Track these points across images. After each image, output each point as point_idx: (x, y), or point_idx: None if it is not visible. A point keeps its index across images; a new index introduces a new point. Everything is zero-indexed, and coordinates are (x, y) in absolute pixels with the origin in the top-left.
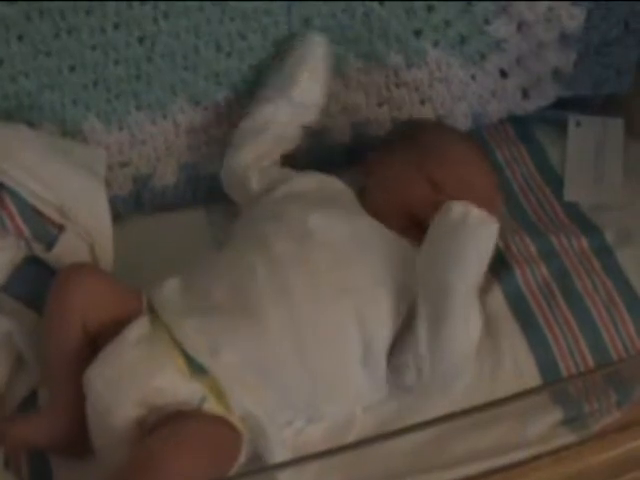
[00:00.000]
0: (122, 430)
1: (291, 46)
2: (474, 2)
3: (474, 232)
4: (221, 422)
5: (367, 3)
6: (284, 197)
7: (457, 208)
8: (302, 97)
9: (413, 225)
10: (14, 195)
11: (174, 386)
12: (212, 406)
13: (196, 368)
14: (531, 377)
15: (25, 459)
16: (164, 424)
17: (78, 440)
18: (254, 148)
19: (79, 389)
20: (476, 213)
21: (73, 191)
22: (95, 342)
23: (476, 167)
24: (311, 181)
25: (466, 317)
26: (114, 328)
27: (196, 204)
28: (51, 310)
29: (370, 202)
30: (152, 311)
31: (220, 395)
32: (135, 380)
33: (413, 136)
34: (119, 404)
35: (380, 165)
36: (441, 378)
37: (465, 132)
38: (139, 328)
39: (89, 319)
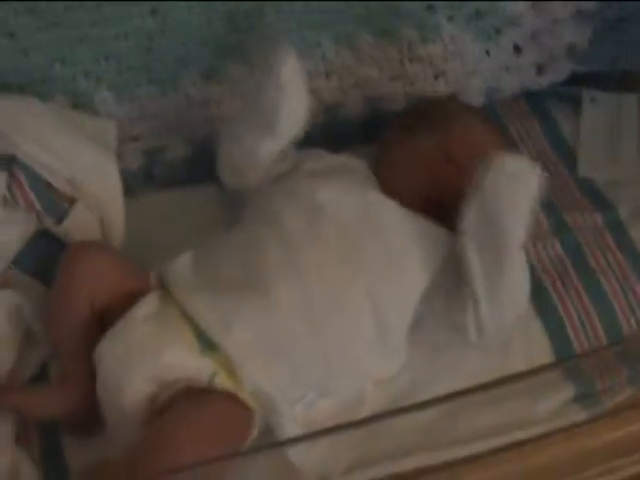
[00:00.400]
0: (132, 406)
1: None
2: None
3: (527, 179)
4: (232, 400)
5: None
6: (295, 175)
7: (501, 158)
8: (289, 127)
9: (429, 203)
10: (25, 168)
11: (184, 362)
12: (223, 381)
13: (206, 344)
14: (543, 353)
15: (36, 435)
16: (175, 404)
17: (89, 415)
18: (247, 167)
19: (89, 365)
20: (525, 162)
21: (84, 164)
22: (103, 319)
23: (493, 142)
24: (322, 159)
25: (521, 264)
26: (122, 305)
27: (208, 180)
28: (59, 287)
29: (386, 180)
30: (162, 287)
31: (231, 370)
32: (145, 356)
33: (429, 113)
34: (129, 380)
35: (396, 142)
36: (503, 330)
37: (479, 107)
38: (148, 305)
39: (97, 296)
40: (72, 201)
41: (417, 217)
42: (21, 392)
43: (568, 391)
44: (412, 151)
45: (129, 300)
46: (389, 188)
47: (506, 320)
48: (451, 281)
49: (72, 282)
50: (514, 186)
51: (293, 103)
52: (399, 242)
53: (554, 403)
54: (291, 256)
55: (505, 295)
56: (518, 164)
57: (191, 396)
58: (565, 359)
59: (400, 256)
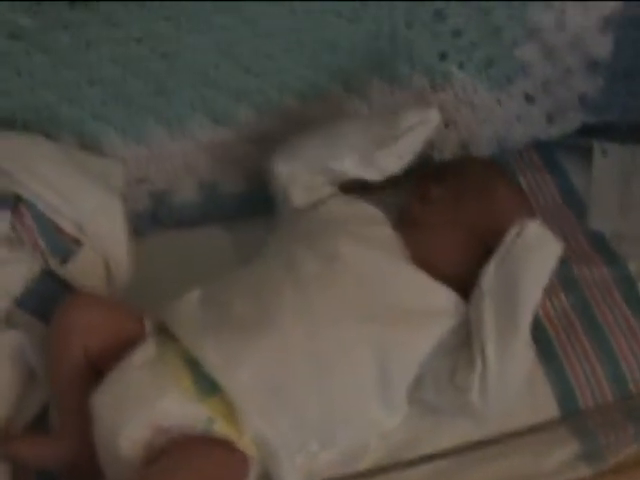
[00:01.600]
0: (128, 453)
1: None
2: (501, 26)
3: (550, 247)
4: (229, 447)
5: (393, 25)
6: (320, 219)
7: (533, 226)
8: (384, 167)
9: (454, 275)
10: (31, 207)
11: (179, 408)
12: (219, 428)
13: (204, 390)
14: (548, 409)
15: None
16: (170, 451)
17: (88, 466)
18: (309, 169)
19: (86, 414)
20: (549, 233)
21: (90, 205)
22: (99, 369)
23: None
24: (350, 207)
25: (528, 335)
26: (117, 354)
27: (215, 222)
28: (51, 341)
29: (415, 243)
30: (159, 333)
31: (229, 416)
32: (140, 403)
33: (480, 188)
34: (124, 427)
35: (438, 211)
36: (505, 395)
37: (489, 157)
38: (144, 351)
39: (90, 348)
40: (77, 242)
41: (434, 281)
42: (20, 442)
43: (573, 447)
44: (456, 229)
45: (124, 348)
46: (417, 251)
47: (510, 384)
48: (456, 342)
49: (64, 336)
50: (536, 252)
51: (409, 153)
52: (413, 302)
53: (559, 459)
54: (304, 301)
55: (515, 357)
56: (542, 232)
57: (187, 444)
58: (571, 416)
59: (411, 316)
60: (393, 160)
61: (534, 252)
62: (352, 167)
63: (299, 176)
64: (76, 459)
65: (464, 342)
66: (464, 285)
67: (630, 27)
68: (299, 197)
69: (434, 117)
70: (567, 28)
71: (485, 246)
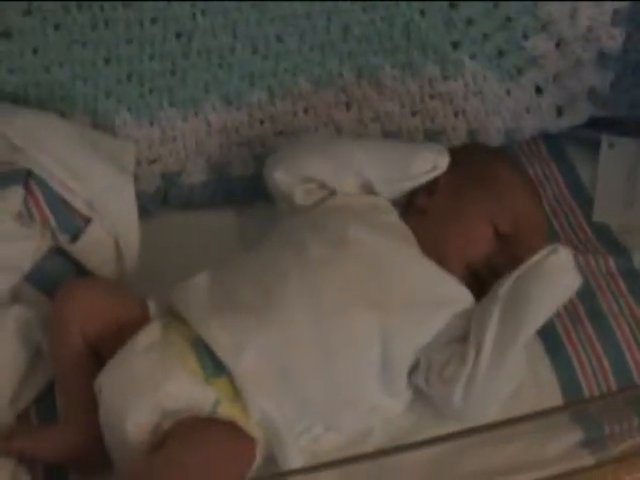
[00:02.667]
0: (135, 437)
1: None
2: (513, 17)
3: (571, 280)
4: (235, 430)
5: (407, 13)
6: (327, 207)
7: (564, 252)
8: (385, 196)
9: (463, 267)
10: (42, 184)
11: (186, 390)
12: (225, 410)
13: (211, 371)
14: (553, 397)
15: (44, 476)
16: (176, 434)
17: (96, 454)
18: (310, 180)
19: (90, 400)
20: (575, 265)
21: (101, 184)
22: (101, 353)
23: (541, 223)
24: (356, 197)
25: (523, 355)
26: (119, 337)
27: (225, 204)
28: (50, 326)
29: (424, 233)
30: (164, 315)
31: (235, 398)
32: (146, 386)
33: (486, 175)
34: (131, 411)
35: (446, 199)
36: (483, 401)
37: (497, 148)
38: (150, 334)
39: (89, 332)
40: (87, 220)
41: (442, 270)
42: (26, 436)
43: (576, 435)
44: (464, 215)
45: (127, 332)
46: (425, 241)
47: (494, 388)
48: (455, 335)
49: (61, 323)
50: (557, 281)
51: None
52: (420, 289)
53: (562, 446)
54: (311, 285)
55: (506, 367)
56: (569, 262)
57: (193, 426)
58: (574, 402)
59: (418, 303)
60: (394, 193)
61: (556, 279)
62: (354, 189)
63: (300, 184)
64: (83, 446)
65: (461, 336)
66: (471, 276)
67: None
68: (302, 199)
69: (445, 164)
70: (579, 20)
71: (495, 231)
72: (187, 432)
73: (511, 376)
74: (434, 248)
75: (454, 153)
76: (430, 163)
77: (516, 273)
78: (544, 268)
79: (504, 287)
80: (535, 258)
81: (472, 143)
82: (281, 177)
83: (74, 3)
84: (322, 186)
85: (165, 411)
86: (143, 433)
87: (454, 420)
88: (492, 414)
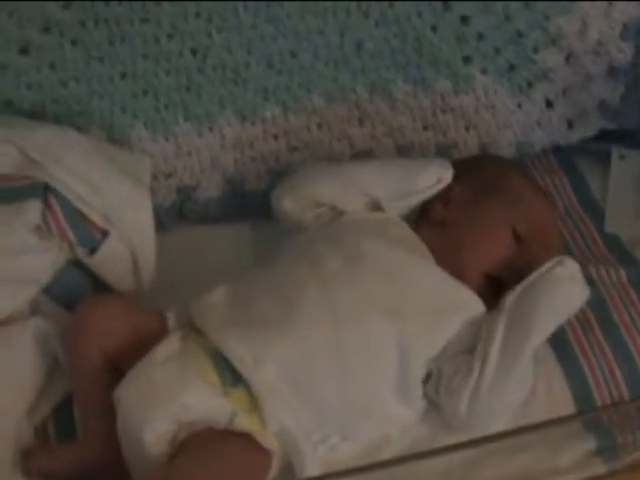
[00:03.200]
0: (153, 448)
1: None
2: (524, 31)
3: (578, 293)
4: (251, 442)
5: (419, 29)
6: (340, 223)
7: (571, 264)
8: (391, 212)
9: (484, 279)
10: (60, 198)
11: (204, 402)
12: (242, 422)
13: (229, 383)
14: (565, 406)
15: None
16: (192, 445)
17: (115, 469)
18: (317, 204)
19: (109, 416)
20: (581, 277)
21: (118, 198)
22: (120, 369)
23: (555, 226)
24: (367, 213)
25: (530, 364)
26: (138, 351)
27: (240, 218)
28: (69, 344)
29: (439, 243)
30: (183, 328)
31: (251, 409)
32: (164, 396)
33: (500, 182)
34: (149, 421)
35: (464, 204)
36: (489, 412)
37: (509, 159)
38: (169, 345)
39: (107, 348)
40: (105, 233)
41: (457, 281)
42: (45, 454)
43: (589, 443)
44: (482, 222)
45: (147, 346)
46: (442, 252)
47: (500, 400)
48: (465, 346)
49: (79, 340)
50: (563, 293)
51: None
52: (435, 300)
53: (575, 455)
54: (328, 297)
55: (511, 379)
56: (576, 274)
57: (209, 438)
58: (585, 411)
59: (433, 313)
60: (401, 209)
61: (562, 291)
62: (362, 208)
63: (309, 210)
64: (101, 462)
65: (472, 347)
66: (493, 283)
67: None
68: (311, 222)
69: (449, 177)
70: (589, 34)
71: (514, 234)
72: (203, 444)
73: (517, 388)
74: (454, 257)
75: (467, 163)
76: (434, 177)
77: (522, 285)
78: (550, 280)
79: (510, 299)
80: (541, 270)
81: (483, 153)
82: (289, 206)
83: (91, 19)
84: (331, 208)
85: (182, 422)
86: (160, 444)
87: (462, 431)
88: (503, 424)
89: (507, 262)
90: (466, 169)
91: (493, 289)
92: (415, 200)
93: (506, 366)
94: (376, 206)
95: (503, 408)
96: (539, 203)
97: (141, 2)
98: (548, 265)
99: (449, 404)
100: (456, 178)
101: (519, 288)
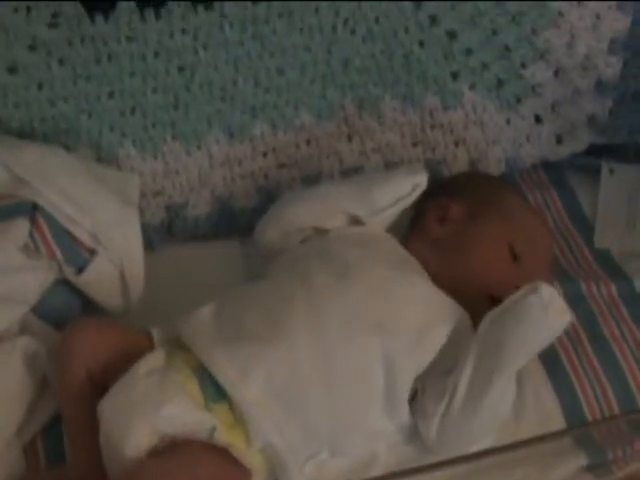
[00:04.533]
0: (134, 461)
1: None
2: (512, 47)
3: (553, 322)
4: (228, 459)
5: (406, 45)
6: (329, 238)
7: (545, 292)
8: (372, 225)
9: (481, 298)
10: (48, 217)
11: (184, 414)
12: (222, 437)
13: (211, 397)
14: (556, 422)
15: None
16: (166, 452)
17: None
18: (298, 227)
19: (96, 438)
20: (560, 304)
21: (106, 217)
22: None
23: (549, 242)
24: (356, 228)
25: (506, 391)
26: (124, 372)
27: (229, 235)
28: (55, 366)
29: (430, 258)
30: (168, 344)
31: (233, 425)
32: (144, 408)
33: (494, 199)
34: (130, 434)
35: (460, 222)
36: (460, 437)
37: (498, 176)
38: (152, 360)
39: (94, 371)
40: (93, 252)
41: (449, 298)
42: (37, 476)
43: (580, 459)
44: (479, 240)
45: (132, 364)
46: (438, 269)
47: (470, 428)
48: (448, 367)
49: (65, 363)
50: (536, 321)
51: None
52: (425, 316)
53: (565, 471)
54: (315, 312)
55: (481, 406)
56: (551, 302)
57: (185, 448)
58: (577, 426)
59: (420, 329)
60: (382, 222)
61: (533, 322)
62: (340, 224)
63: (293, 235)
64: None
65: (449, 367)
66: (492, 302)
67: (638, 49)
68: (296, 240)
69: (424, 181)
70: (576, 49)
71: (512, 252)
72: (177, 453)
73: (490, 414)
74: (450, 275)
75: (461, 180)
76: (409, 185)
77: (496, 311)
78: (522, 308)
79: (483, 325)
80: (515, 296)
81: (475, 170)
82: (273, 235)
83: (78, 38)
84: (314, 230)
85: (163, 434)
86: (141, 456)
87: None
88: (492, 441)
89: (504, 280)
90: (461, 186)
91: (490, 309)
92: (395, 211)
93: (475, 395)
94: (357, 222)
95: (474, 435)
96: (535, 221)
97: (126, 20)
98: (521, 292)
99: (421, 425)
100: (452, 195)
101: (492, 314)
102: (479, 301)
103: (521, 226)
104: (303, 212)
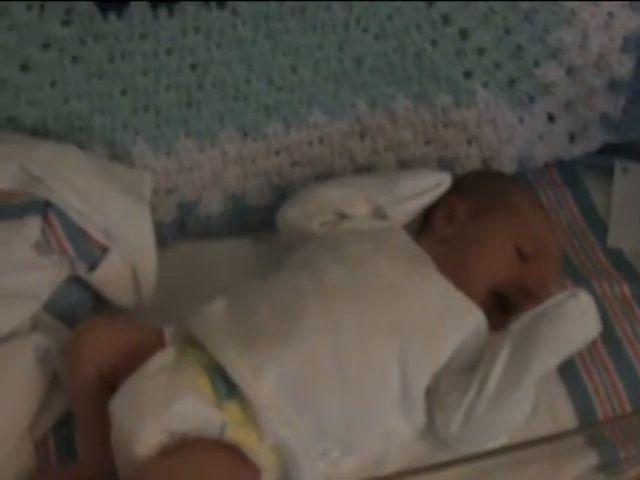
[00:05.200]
0: (145, 459)
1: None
2: (524, 45)
3: (588, 328)
4: (239, 456)
5: (419, 43)
6: (343, 232)
7: (584, 298)
8: (394, 219)
9: (489, 297)
10: (61, 214)
11: (195, 412)
12: (232, 434)
13: (222, 395)
14: (568, 422)
15: None
16: (177, 450)
17: None
18: (321, 210)
19: (107, 435)
20: (594, 313)
21: (119, 214)
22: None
23: (557, 244)
24: (371, 222)
25: (530, 392)
26: (135, 369)
27: (242, 234)
28: (67, 365)
29: (448, 259)
30: (180, 341)
31: (244, 423)
32: (155, 406)
33: (503, 198)
34: (141, 431)
35: (468, 220)
36: (481, 432)
37: (511, 175)
38: (163, 358)
39: (105, 369)
40: (105, 249)
41: (463, 295)
42: (49, 475)
43: (591, 459)
44: (485, 238)
45: (143, 362)
46: (447, 267)
47: (491, 424)
48: (465, 363)
49: (76, 362)
50: (572, 326)
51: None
52: (439, 313)
53: (577, 470)
54: (328, 309)
55: (508, 404)
56: (588, 309)
57: (195, 446)
58: (589, 425)
59: (436, 328)
60: (404, 215)
61: (571, 327)
62: (364, 214)
63: (314, 216)
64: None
65: (470, 366)
66: (497, 301)
67: None
68: (317, 231)
69: (448, 180)
70: (589, 48)
71: (518, 252)
72: (187, 450)
73: (513, 414)
74: (458, 273)
75: (470, 179)
76: (433, 180)
77: (532, 313)
78: (562, 312)
79: (517, 325)
80: (553, 300)
81: (486, 169)
82: (295, 215)
83: (91, 36)
84: (336, 214)
85: (173, 432)
86: (152, 453)
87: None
88: (505, 439)
89: (511, 279)
90: (470, 185)
91: (498, 308)
92: (417, 204)
93: (503, 393)
94: (380, 213)
95: (494, 431)
96: (541, 221)
97: (139, 18)
98: (561, 296)
99: (442, 419)
100: (460, 194)
101: (528, 316)
102: (486, 299)
103: (528, 225)
104: (329, 193)
